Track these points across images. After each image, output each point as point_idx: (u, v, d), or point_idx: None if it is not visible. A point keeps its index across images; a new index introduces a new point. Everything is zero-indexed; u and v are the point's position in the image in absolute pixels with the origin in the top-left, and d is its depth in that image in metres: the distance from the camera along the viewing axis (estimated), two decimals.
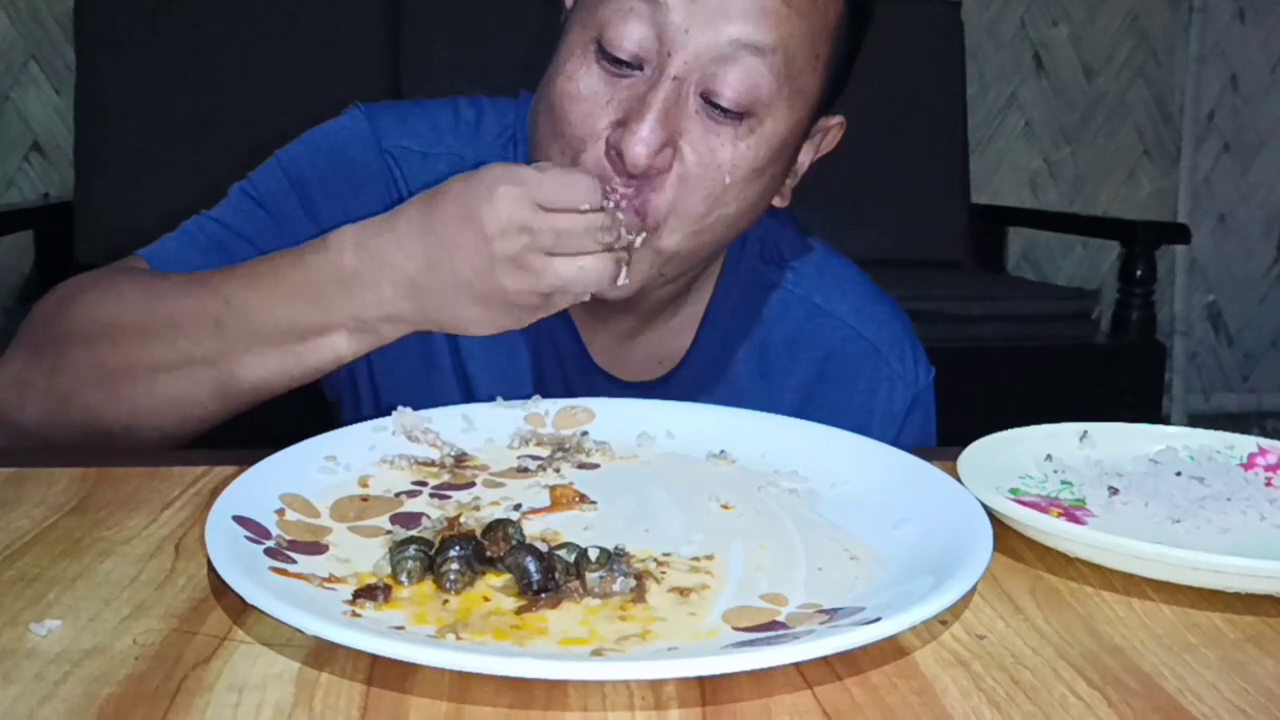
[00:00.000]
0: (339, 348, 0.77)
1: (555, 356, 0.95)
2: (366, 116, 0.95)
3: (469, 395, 0.94)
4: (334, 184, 0.92)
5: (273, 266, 0.77)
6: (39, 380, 0.82)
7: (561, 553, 0.57)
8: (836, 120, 0.91)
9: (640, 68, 0.79)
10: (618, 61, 0.79)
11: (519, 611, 0.53)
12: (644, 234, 0.78)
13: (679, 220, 0.81)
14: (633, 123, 0.77)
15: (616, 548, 0.58)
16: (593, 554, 0.56)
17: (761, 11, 0.78)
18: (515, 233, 0.70)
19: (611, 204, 0.76)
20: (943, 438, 1.02)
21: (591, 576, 0.55)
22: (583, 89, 0.80)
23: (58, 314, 0.83)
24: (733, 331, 0.98)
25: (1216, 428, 0.84)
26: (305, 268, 0.75)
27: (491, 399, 0.81)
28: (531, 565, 0.55)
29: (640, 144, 0.77)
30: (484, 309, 0.72)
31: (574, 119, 0.80)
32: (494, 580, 0.56)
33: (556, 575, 0.55)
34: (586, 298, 0.75)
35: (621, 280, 0.75)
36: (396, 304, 0.73)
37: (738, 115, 0.79)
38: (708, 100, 0.79)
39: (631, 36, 0.78)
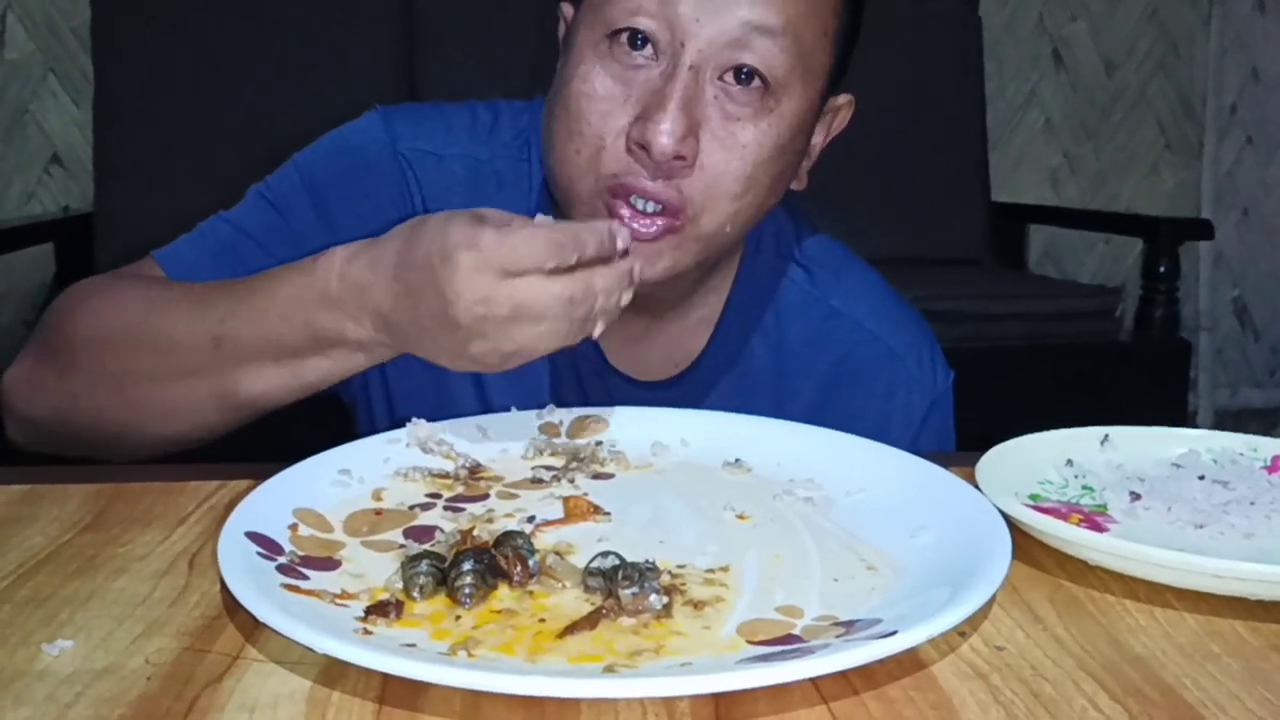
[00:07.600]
0: (337, 364, 0.77)
1: (569, 355, 0.95)
2: (383, 119, 0.96)
3: (482, 393, 0.94)
4: (348, 186, 0.93)
5: (267, 285, 0.77)
6: (51, 379, 0.84)
7: (598, 563, 0.57)
8: (845, 99, 0.91)
9: (655, 58, 0.80)
10: (633, 49, 0.80)
11: (561, 635, 0.52)
12: (632, 290, 0.71)
13: (717, 203, 0.81)
14: (655, 113, 0.78)
15: (647, 561, 0.57)
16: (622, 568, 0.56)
17: None
18: (472, 303, 0.67)
19: (619, 248, 0.69)
20: (964, 438, 1.01)
21: (625, 594, 0.54)
22: (599, 89, 0.81)
23: (68, 317, 0.85)
24: (749, 330, 0.98)
25: (1242, 423, 0.83)
26: (296, 287, 0.75)
27: (505, 399, 0.81)
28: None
29: (664, 134, 0.77)
30: (451, 357, 0.71)
31: (593, 119, 0.81)
32: (508, 594, 0.56)
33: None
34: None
35: (596, 332, 0.70)
36: (375, 333, 0.73)
37: (756, 98, 0.80)
38: (724, 85, 0.80)
39: (643, 28, 0.79)
